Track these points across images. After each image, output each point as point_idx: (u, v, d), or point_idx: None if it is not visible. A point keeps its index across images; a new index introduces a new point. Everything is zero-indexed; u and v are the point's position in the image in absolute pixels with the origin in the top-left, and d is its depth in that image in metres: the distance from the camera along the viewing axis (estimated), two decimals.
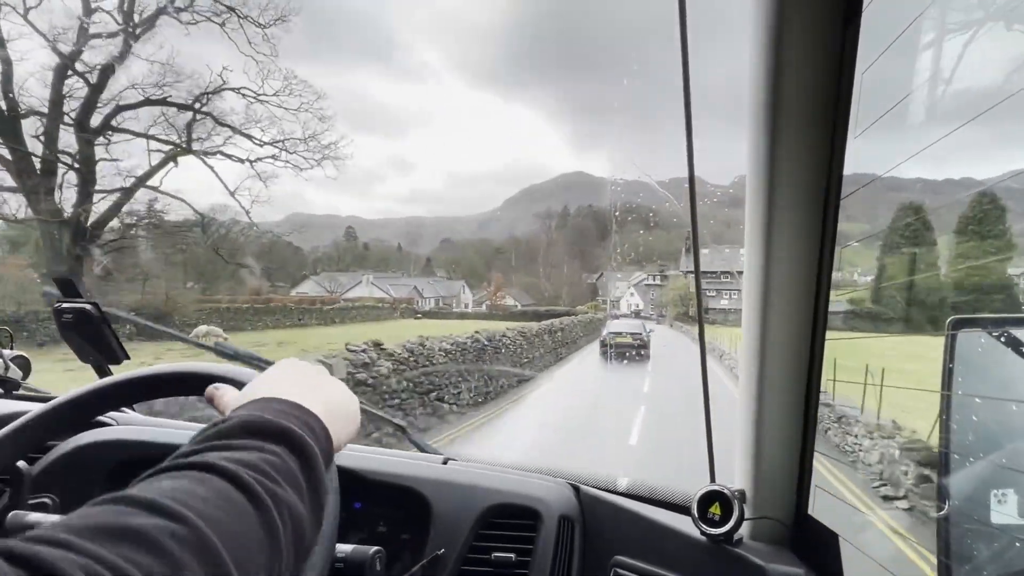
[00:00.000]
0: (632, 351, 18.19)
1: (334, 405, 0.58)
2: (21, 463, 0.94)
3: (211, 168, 17.30)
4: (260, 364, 1.04)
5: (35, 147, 14.27)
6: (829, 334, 0.85)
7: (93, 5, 14.56)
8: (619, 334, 18.95)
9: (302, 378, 0.60)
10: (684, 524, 1.00)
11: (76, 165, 14.72)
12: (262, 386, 0.57)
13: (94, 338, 1.51)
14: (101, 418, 1.20)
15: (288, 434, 0.46)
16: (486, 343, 12.64)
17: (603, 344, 19.07)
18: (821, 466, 0.95)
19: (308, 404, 0.53)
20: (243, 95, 17.56)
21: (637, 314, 35.49)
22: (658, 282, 43.86)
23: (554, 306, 40.07)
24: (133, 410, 1.37)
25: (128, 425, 1.23)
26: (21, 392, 1.51)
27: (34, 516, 0.83)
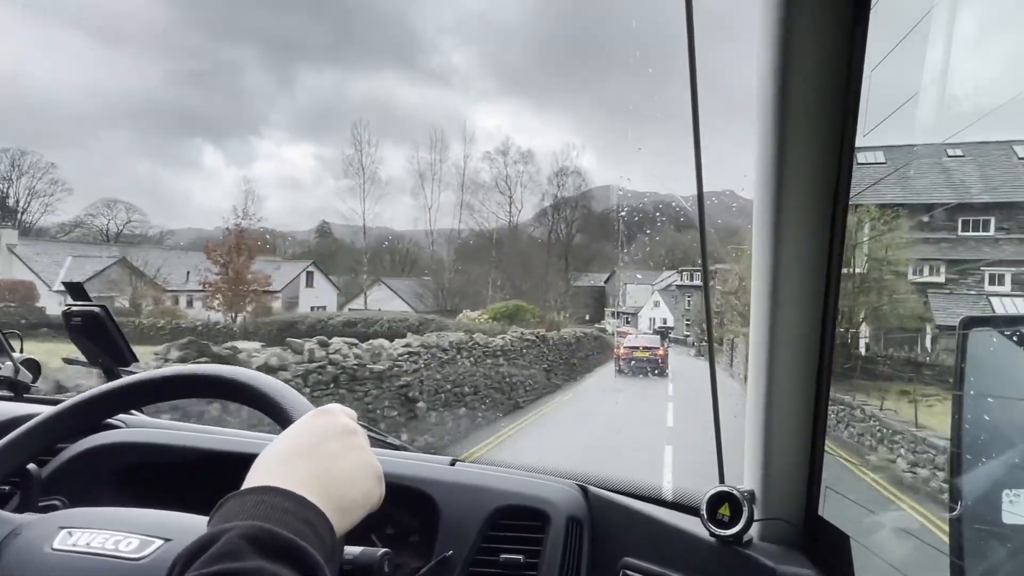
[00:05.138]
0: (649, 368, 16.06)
1: (345, 487, 0.56)
2: (31, 465, 0.94)
3: None
4: None
5: None
6: None
7: None
8: (635, 348, 16.86)
9: (315, 452, 0.57)
10: (693, 525, 0.99)
11: None
12: (271, 462, 0.55)
13: (103, 341, 1.52)
14: (110, 420, 1.21)
15: (297, 552, 0.45)
16: None
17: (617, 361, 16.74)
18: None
19: (314, 494, 0.51)
20: None
21: (664, 334, 21.70)
22: (697, 282, 25.01)
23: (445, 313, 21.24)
24: (142, 412, 1.37)
25: (137, 428, 1.24)
26: (31, 395, 1.52)
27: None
